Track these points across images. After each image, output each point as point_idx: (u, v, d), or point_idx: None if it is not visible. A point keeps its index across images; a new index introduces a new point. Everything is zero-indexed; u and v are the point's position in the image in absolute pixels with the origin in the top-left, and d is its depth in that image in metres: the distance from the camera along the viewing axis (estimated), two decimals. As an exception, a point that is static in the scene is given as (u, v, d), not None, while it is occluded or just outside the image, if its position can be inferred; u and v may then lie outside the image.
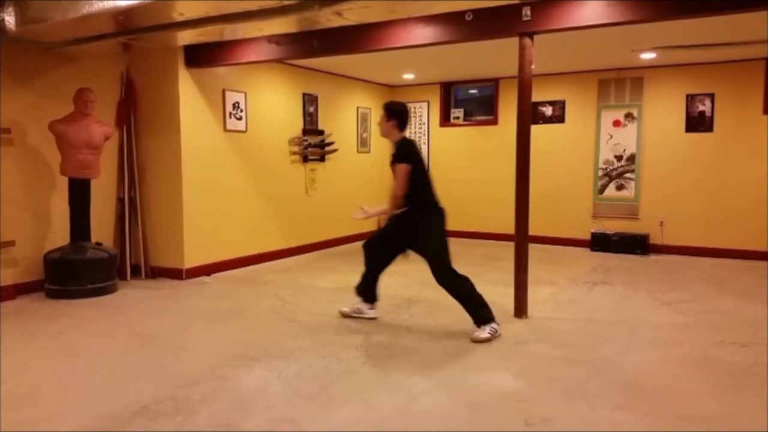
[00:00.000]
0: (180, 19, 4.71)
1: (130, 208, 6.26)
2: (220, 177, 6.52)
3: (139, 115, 6.29)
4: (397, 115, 4.38)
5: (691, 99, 7.62)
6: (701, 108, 7.56)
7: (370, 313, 4.67)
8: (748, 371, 3.59)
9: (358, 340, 4.16)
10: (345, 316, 4.70)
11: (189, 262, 6.18)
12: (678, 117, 7.70)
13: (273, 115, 7.23)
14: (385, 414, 3.00)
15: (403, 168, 4.21)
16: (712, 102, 7.49)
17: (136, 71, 6.26)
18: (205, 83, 6.29)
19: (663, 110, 7.80)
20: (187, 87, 6.11)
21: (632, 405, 3.11)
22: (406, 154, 4.28)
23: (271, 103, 7.20)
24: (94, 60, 5.94)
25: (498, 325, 4.20)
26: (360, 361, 3.74)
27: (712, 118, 7.51)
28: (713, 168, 7.54)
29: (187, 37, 5.60)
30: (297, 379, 3.45)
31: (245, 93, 6.78)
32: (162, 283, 6.05)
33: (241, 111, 6.73)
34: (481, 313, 4.17)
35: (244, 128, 6.78)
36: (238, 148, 6.74)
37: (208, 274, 6.31)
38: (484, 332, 4.11)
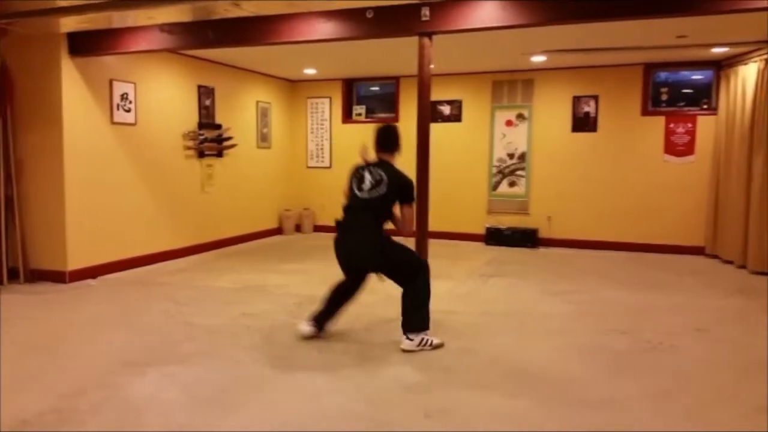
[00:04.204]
0: (63, 4, 4.40)
1: (6, 207, 5.75)
2: (107, 173, 6.15)
3: (17, 106, 5.79)
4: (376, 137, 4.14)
5: (577, 100, 8.08)
6: (586, 109, 8.04)
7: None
8: (629, 356, 3.86)
9: (257, 341, 4.07)
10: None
11: (73, 264, 5.79)
12: (565, 117, 8.14)
13: (165, 108, 6.91)
14: (287, 415, 2.96)
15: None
16: (596, 103, 7.99)
17: (13, 59, 5.76)
18: (90, 73, 5.91)
19: (551, 111, 8.22)
20: (70, 77, 5.71)
21: (527, 392, 3.26)
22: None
23: (164, 94, 6.88)
24: (-39, 44, 5.43)
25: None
26: (260, 363, 3.66)
27: (596, 118, 8.01)
28: (597, 166, 8.05)
29: (70, 23, 5.24)
30: (193, 384, 3.32)
31: (134, 84, 6.43)
32: (43, 287, 5.63)
33: (130, 103, 6.38)
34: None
35: (133, 121, 6.43)
36: (127, 142, 6.39)
37: (94, 277, 5.94)
38: None
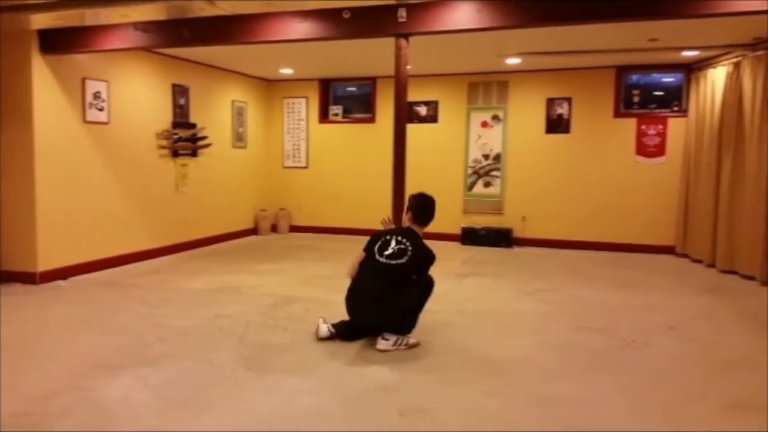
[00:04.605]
0: (34, 0, 4.31)
1: (-28, 206, 5.64)
2: (79, 172, 6.05)
3: (-16, 102, 5.68)
4: (413, 208, 4.17)
5: (550, 102, 8.17)
6: (560, 111, 8.14)
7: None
8: (604, 353, 3.91)
9: (231, 342, 4.04)
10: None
11: (43, 265, 5.68)
12: (539, 119, 8.23)
13: (139, 107, 6.82)
14: (261, 416, 2.94)
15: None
16: (570, 105, 8.08)
17: (-21, 54, 5.65)
18: (62, 71, 5.81)
19: (526, 113, 8.29)
20: (41, 75, 5.60)
21: (501, 390, 3.28)
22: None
23: (137, 93, 6.79)
24: (-74, 39, 5.29)
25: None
26: (234, 364, 3.63)
27: (569, 120, 8.10)
28: (570, 167, 8.14)
29: (42, 20, 5.14)
30: (165, 386, 3.28)
31: (108, 82, 6.34)
32: (13, 288, 5.52)
33: (103, 101, 6.28)
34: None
35: (106, 120, 6.34)
36: (100, 141, 6.29)
37: (65, 278, 5.84)
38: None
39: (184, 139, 7.47)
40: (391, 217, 4.62)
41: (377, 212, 8.62)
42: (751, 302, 5.28)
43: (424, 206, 4.17)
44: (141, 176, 6.87)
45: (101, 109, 6.27)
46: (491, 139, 8.43)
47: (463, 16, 4.50)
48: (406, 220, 4.22)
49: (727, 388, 3.35)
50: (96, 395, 3.14)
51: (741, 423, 2.94)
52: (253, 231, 9.15)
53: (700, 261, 7.05)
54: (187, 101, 7.58)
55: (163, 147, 7.18)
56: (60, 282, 5.74)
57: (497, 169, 8.43)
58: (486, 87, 8.40)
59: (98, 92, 6.21)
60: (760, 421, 2.95)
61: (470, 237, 8.34)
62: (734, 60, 6.45)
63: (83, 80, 6.04)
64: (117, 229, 6.55)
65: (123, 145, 6.60)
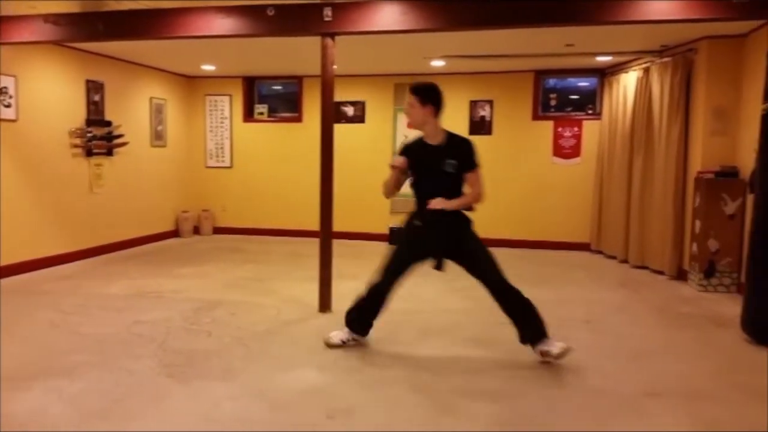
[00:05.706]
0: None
1: None
2: (-16, 172, 5.68)
3: None
4: (434, 98, 3.79)
5: (473, 105, 8.36)
6: (482, 113, 8.34)
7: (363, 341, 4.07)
8: (522, 348, 4.02)
9: (151, 349, 3.89)
10: (334, 346, 3.98)
11: (-57, 272, 5.29)
12: (463, 120, 8.39)
13: (50, 103, 6.46)
14: (184, 424, 2.85)
15: (480, 174, 3.87)
16: (492, 108, 8.30)
17: None
18: (-39, 63, 5.43)
19: (450, 114, 8.31)
20: (-63, 66, 5.22)
21: (427, 387, 3.33)
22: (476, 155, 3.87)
23: (48, 89, 6.43)
24: None
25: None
26: (154, 372, 3.50)
27: (491, 122, 8.32)
28: (491, 167, 8.28)
29: (-63, 7, 4.79)
30: (82, 396, 3.13)
31: (15, 77, 5.96)
32: None
33: (11, 97, 5.91)
34: (535, 326, 3.78)
35: (13, 117, 5.97)
36: (8, 140, 5.91)
37: (-30, 285, 5.47)
38: None
39: (98, 137, 7.14)
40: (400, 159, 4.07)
41: (304, 212, 8.60)
42: (661, 296, 5.59)
43: (441, 94, 3.88)
44: (52, 176, 6.51)
45: (8, 106, 5.89)
46: (417, 140, 8.52)
47: (388, 18, 4.54)
48: (427, 114, 3.89)
49: (640, 377, 3.53)
50: (6, 410, 2.95)
51: (657, 408, 3.11)
52: (174, 233, 8.86)
53: (613, 257, 7.41)
54: (102, 98, 7.25)
55: (76, 146, 6.83)
56: (-38, 290, 5.37)
57: (423, 169, 8.53)
58: (411, 88, 8.48)
59: (5, 87, 5.84)
60: (673, 406, 3.14)
61: (398, 237, 8.39)
62: (644, 66, 6.82)
63: (-13, 74, 5.67)
64: (27, 233, 6.18)
65: (33, 144, 6.23)
